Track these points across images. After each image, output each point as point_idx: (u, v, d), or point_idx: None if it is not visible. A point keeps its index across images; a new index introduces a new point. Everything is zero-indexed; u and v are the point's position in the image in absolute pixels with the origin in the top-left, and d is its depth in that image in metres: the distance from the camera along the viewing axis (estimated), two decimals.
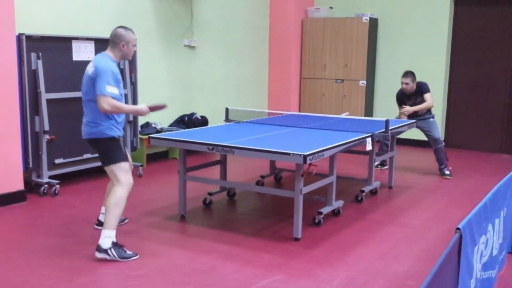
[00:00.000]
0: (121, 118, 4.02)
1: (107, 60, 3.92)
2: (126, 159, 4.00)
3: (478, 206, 2.59)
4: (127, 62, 6.22)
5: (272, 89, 9.31)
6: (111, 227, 3.77)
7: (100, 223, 4.21)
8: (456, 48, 8.48)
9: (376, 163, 6.54)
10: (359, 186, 5.64)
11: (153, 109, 4.02)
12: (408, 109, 6.50)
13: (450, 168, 6.62)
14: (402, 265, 3.78)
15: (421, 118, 6.55)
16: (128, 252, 3.81)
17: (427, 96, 6.49)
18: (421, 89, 6.51)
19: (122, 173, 3.90)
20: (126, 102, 5.92)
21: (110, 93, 3.77)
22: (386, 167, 6.83)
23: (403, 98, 6.65)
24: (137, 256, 3.83)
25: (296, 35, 9.08)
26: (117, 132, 3.96)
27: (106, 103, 3.76)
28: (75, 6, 6.05)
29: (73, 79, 5.70)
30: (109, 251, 3.73)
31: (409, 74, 6.46)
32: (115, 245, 3.77)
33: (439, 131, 6.62)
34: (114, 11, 6.48)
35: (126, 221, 4.57)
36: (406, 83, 6.44)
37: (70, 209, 4.93)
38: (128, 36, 4.02)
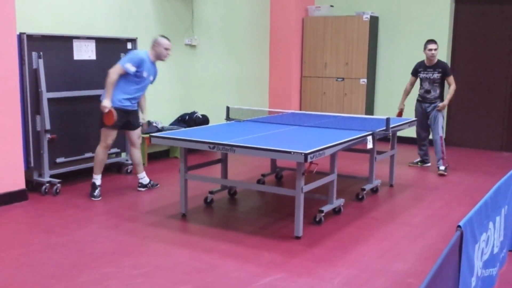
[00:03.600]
0: (133, 96, 5.31)
1: (143, 51, 5.33)
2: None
3: (479, 204, 2.59)
4: None
5: (273, 88, 9.31)
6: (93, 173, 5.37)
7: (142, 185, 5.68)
8: (456, 46, 8.48)
9: (416, 160, 6.87)
10: (360, 184, 5.64)
11: (109, 112, 5.09)
12: (444, 104, 6.59)
13: (447, 164, 6.61)
14: (403, 263, 3.79)
15: (432, 101, 6.57)
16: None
17: (450, 79, 6.58)
18: (444, 69, 6.55)
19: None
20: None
21: (125, 66, 5.12)
22: (429, 164, 6.99)
23: (419, 68, 6.70)
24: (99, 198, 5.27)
25: (296, 34, 9.08)
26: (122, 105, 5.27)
27: (113, 69, 5.12)
28: (76, 6, 6.05)
29: (74, 78, 5.72)
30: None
31: (434, 41, 6.53)
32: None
33: (440, 125, 6.61)
34: (115, 10, 6.48)
35: (158, 185, 5.76)
36: (435, 49, 6.48)
37: (71, 208, 4.94)
38: (159, 40, 5.33)
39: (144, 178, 5.67)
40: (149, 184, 5.68)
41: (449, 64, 6.62)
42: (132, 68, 5.13)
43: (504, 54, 8.12)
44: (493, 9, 8.13)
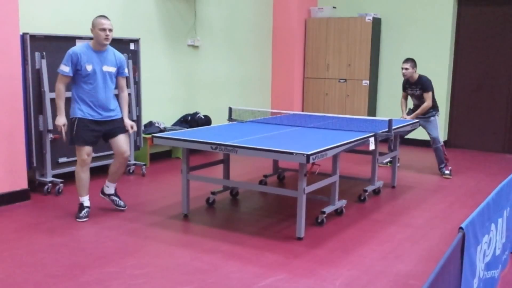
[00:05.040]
0: (92, 100, 4.53)
1: (78, 45, 4.64)
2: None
3: (481, 206, 2.59)
4: (130, 62, 6.22)
5: (275, 89, 9.31)
6: (79, 195, 4.71)
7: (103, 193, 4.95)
8: (459, 48, 8.47)
9: (386, 160, 6.56)
10: (362, 185, 5.64)
11: (60, 131, 4.59)
12: (408, 117, 6.53)
13: (450, 167, 6.61)
14: (405, 265, 3.78)
15: (423, 116, 6.56)
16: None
17: (426, 95, 6.49)
18: (423, 85, 6.51)
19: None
20: (130, 101, 6.00)
21: (60, 69, 4.47)
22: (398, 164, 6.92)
23: (405, 84, 6.73)
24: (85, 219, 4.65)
25: (299, 35, 9.08)
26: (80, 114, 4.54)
27: (57, 81, 4.50)
28: (79, 6, 6.06)
29: None
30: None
31: (409, 60, 6.51)
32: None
33: (439, 131, 6.61)
34: (118, 10, 6.50)
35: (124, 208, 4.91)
36: (406, 68, 6.46)
37: (74, 207, 4.93)
38: (94, 21, 4.50)
39: (109, 187, 4.88)
40: (108, 197, 4.88)
41: (431, 80, 6.54)
42: (65, 68, 4.41)
43: (507, 56, 8.11)
44: (496, 11, 8.12)
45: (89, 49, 4.50)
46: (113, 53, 4.64)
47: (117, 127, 4.67)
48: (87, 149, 4.58)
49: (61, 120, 4.55)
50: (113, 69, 4.62)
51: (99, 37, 4.46)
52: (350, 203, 5.22)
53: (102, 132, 4.62)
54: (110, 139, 4.68)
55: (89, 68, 4.45)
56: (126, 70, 4.76)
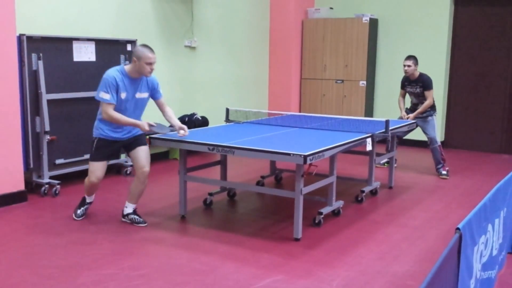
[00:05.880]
0: (117, 126, 4.40)
1: (113, 69, 4.35)
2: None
3: (478, 206, 2.59)
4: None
5: (273, 90, 9.31)
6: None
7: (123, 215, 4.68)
8: (456, 48, 8.49)
9: (383, 161, 6.57)
10: (359, 186, 5.64)
11: (152, 127, 4.34)
12: (411, 116, 6.53)
13: (447, 168, 6.62)
14: (402, 265, 3.79)
15: (421, 116, 6.57)
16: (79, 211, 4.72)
17: (428, 93, 6.51)
18: (424, 83, 6.52)
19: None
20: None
21: (100, 97, 4.26)
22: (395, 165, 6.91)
23: (404, 81, 6.73)
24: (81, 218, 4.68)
25: (296, 36, 9.09)
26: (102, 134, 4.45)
27: (104, 112, 4.29)
28: (75, 7, 6.05)
29: (74, 79, 5.72)
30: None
31: (411, 57, 6.51)
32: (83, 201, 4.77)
33: (436, 131, 6.62)
34: (115, 11, 6.49)
35: (145, 224, 4.58)
36: (408, 65, 6.46)
37: (71, 209, 4.93)
38: (140, 52, 4.29)
39: (127, 208, 4.61)
40: (127, 217, 4.59)
41: (432, 78, 6.56)
42: (106, 96, 4.21)
43: (503, 56, 8.13)
44: (493, 11, 8.14)
45: (125, 76, 4.32)
46: (145, 78, 4.47)
47: (138, 139, 4.53)
48: (100, 168, 4.48)
49: (143, 124, 4.30)
50: (145, 95, 4.50)
51: (143, 70, 4.28)
52: (347, 204, 5.23)
53: (121, 144, 4.54)
54: (129, 152, 4.56)
55: (123, 96, 4.31)
56: (160, 91, 4.64)
